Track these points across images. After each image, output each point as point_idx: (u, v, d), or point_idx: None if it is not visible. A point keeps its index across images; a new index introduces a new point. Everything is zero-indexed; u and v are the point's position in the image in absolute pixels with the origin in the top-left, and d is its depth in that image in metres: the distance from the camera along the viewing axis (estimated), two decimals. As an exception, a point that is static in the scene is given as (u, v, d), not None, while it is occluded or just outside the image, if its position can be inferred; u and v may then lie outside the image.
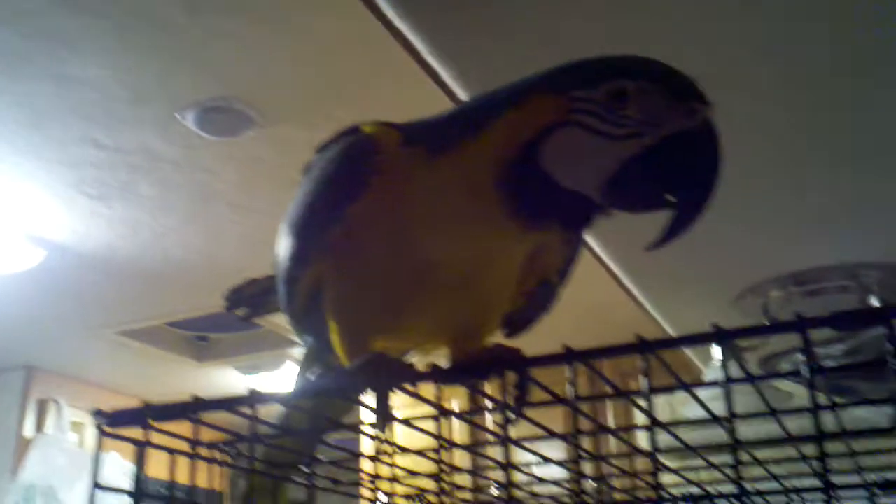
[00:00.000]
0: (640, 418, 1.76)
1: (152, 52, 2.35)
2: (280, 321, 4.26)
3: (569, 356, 0.51)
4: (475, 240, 0.63)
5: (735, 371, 0.53)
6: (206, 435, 0.63)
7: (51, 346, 4.61)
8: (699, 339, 0.50)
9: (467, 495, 0.99)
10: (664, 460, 1.39)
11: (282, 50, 2.36)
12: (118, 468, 3.83)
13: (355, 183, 0.64)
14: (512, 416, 0.61)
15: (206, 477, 0.72)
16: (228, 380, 5.16)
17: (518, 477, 0.88)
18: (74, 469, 4.56)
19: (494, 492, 1.02)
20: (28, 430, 4.79)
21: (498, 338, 0.71)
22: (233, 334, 4.60)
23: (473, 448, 0.67)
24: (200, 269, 3.66)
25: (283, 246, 0.70)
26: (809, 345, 0.47)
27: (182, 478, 0.61)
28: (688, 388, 0.57)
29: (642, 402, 0.52)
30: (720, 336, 0.49)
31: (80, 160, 2.84)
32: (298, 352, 4.97)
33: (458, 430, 3.93)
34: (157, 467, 0.64)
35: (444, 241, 0.63)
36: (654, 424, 0.47)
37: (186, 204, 3.16)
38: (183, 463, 0.62)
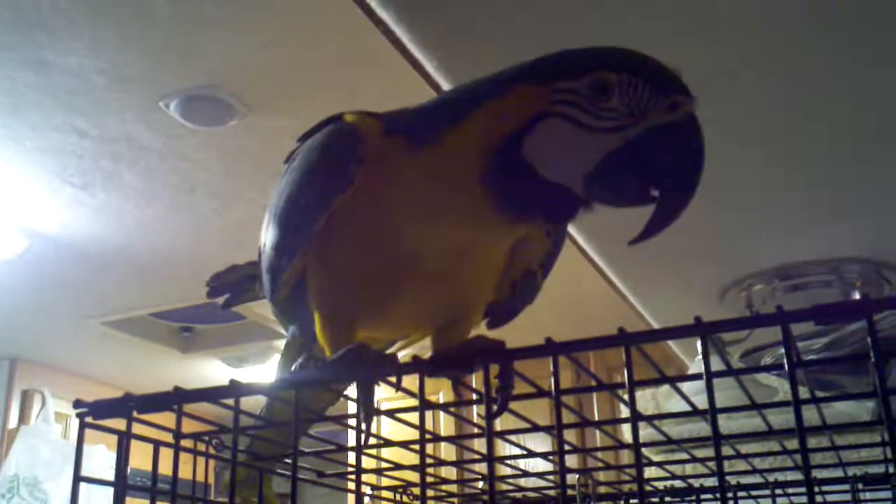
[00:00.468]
0: (625, 412, 1.77)
1: (134, 40, 2.33)
2: (265, 312, 4.25)
3: (551, 348, 0.51)
4: (458, 231, 0.63)
5: (717, 365, 0.54)
6: (190, 426, 0.63)
7: (35, 337, 4.58)
8: (680, 332, 0.50)
9: (452, 488, 0.99)
10: (649, 454, 1.39)
11: (265, 39, 2.35)
12: (105, 460, 3.83)
13: (339, 174, 0.63)
14: (494, 407, 0.61)
15: (191, 468, 0.72)
16: (213, 371, 5.14)
17: (503, 470, 0.88)
18: (59, 460, 4.55)
19: (479, 484, 1.03)
20: (12, 421, 4.77)
21: (481, 329, 0.71)
22: (218, 325, 4.59)
23: (457, 440, 0.67)
24: (184, 259, 3.64)
25: (267, 236, 0.70)
26: (790, 338, 0.48)
27: (167, 469, 0.60)
28: (670, 380, 0.57)
29: (625, 395, 0.52)
30: (701, 329, 0.49)
31: (63, 148, 2.82)
32: (284, 343, 4.89)
33: (444, 423, 3.94)
34: (143, 459, 0.63)
35: (427, 233, 0.63)
36: (635, 417, 0.47)
37: (170, 194, 3.14)
38: (167, 454, 0.61)
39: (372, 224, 0.65)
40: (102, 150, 2.85)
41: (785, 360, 0.49)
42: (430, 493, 0.94)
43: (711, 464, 0.72)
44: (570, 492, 0.88)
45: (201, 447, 0.68)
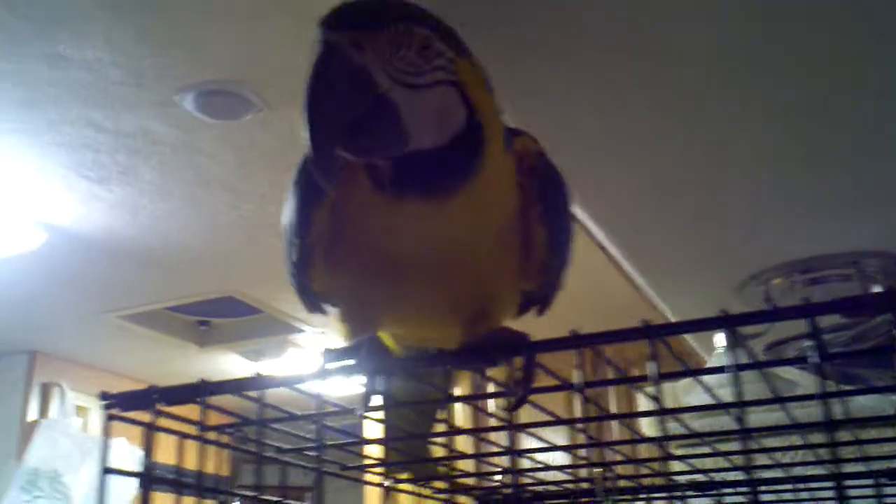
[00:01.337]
0: (643, 405, 1.76)
1: (150, 34, 2.33)
2: (281, 306, 4.24)
3: (576, 341, 0.51)
4: (385, 220, 0.64)
5: (741, 359, 0.53)
6: (213, 418, 0.63)
7: (53, 330, 4.61)
8: (706, 325, 0.50)
9: (471, 481, 0.99)
10: (664, 447, 1.39)
11: (281, 34, 2.34)
12: (125, 453, 3.84)
13: (315, 187, 0.65)
14: (514, 400, 0.61)
15: (211, 462, 0.72)
16: (230, 365, 5.16)
17: (522, 463, 0.88)
18: (79, 453, 4.57)
19: (497, 477, 1.02)
20: (32, 414, 4.80)
21: (510, 320, 0.72)
22: (234, 319, 4.60)
23: (479, 433, 0.67)
24: (200, 253, 3.65)
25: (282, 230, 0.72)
26: (818, 331, 0.47)
27: (188, 463, 0.61)
28: (694, 373, 0.57)
29: (649, 389, 0.52)
30: (727, 322, 0.49)
31: (79, 142, 2.83)
32: (301, 338, 4.87)
33: (462, 415, 3.93)
34: (163, 453, 0.64)
35: (378, 228, 0.65)
36: (662, 411, 0.47)
37: (186, 188, 3.15)
38: (189, 448, 0.62)
39: (355, 224, 0.66)
40: (118, 145, 2.85)
41: (810, 354, 0.48)
42: (447, 486, 0.94)
43: (734, 457, 0.71)
44: (589, 485, 0.88)
45: (223, 439, 0.69)
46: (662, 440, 0.48)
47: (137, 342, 4.75)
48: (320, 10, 0.61)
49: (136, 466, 0.58)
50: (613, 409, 3.92)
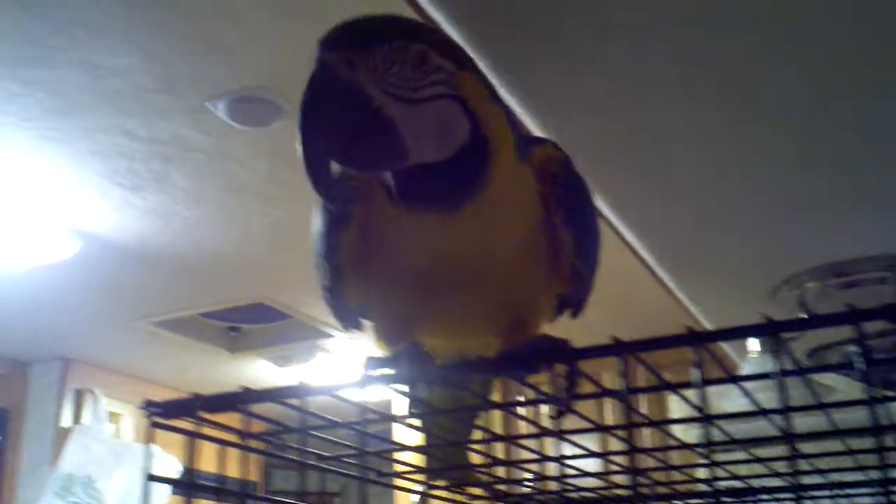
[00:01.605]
0: (675, 409, 1.75)
1: (182, 42, 2.35)
2: (309, 311, 4.24)
3: (619, 348, 0.51)
4: (401, 234, 0.65)
5: (779, 365, 0.53)
6: (252, 425, 0.63)
7: (87, 337, 4.66)
8: (751, 331, 0.49)
9: (503, 487, 0.99)
10: (704, 452, 1.37)
11: (312, 40, 2.36)
12: (158, 460, 3.87)
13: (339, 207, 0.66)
14: (556, 409, 0.61)
15: (239, 467, 0.72)
16: (260, 370, 5.19)
17: (553, 469, 0.88)
18: (112, 459, 4.61)
19: (529, 484, 1.02)
20: (65, 420, 4.85)
21: (547, 325, 0.72)
22: (264, 325, 4.63)
23: (518, 439, 0.67)
24: (232, 259, 3.68)
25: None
26: (864, 337, 0.47)
27: (224, 469, 0.61)
28: (737, 380, 0.56)
29: (689, 395, 0.52)
30: (772, 328, 0.48)
31: (113, 150, 2.86)
32: (329, 343, 4.88)
33: (495, 421, 3.92)
34: (200, 459, 0.64)
35: (396, 242, 0.66)
36: (707, 418, 0.47)
37: (218, 194, 3.17)
38: (225, 454, 0.62)
39: (378, 241, 0.67)
40: (151, 152, 2.88)
41: (856, 360, 0.48)
42: (484, 492, 0.94)
43: (773, 464, 0.71)
44: (626, 492, 0.88)
45: (262, 446, 0.69)
46: (705, 446, 0.48)
47: (169, 348, 4.79)
48: (350, 18, 0.62)
49: (170, 473, 0.58)
50: (645, 413, 3.89)
